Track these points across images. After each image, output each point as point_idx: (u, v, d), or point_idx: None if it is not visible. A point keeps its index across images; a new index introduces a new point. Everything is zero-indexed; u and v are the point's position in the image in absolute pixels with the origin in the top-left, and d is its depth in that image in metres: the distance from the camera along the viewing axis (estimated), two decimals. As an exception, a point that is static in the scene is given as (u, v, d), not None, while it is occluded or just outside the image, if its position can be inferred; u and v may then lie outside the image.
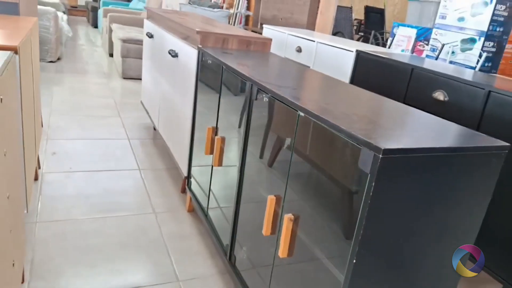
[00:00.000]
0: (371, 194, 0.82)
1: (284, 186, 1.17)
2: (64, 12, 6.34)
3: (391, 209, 0.87)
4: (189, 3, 4.67)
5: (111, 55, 5.76)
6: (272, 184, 1.25)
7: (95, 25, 8.57)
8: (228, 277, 1.65)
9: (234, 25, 7.14)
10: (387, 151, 0.79)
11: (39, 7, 4.85)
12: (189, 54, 2.00)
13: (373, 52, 2.20)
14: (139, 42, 4.59)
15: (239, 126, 1.79)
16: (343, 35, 6.25)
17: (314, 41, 2.68)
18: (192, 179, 2.04)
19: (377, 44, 6.07)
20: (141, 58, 4.64)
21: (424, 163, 0.86)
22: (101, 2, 7.99)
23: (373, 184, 0.81)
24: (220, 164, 1.66)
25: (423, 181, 0.88)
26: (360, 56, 2.24)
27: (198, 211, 1.93)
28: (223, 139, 1.63)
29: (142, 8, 7.32)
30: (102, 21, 6.64)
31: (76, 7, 10.17)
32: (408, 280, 1.00)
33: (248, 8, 7.81)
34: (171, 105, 2.34)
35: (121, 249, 1.72)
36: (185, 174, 2.09)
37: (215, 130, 1.71)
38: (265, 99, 1.31)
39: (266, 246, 1.29)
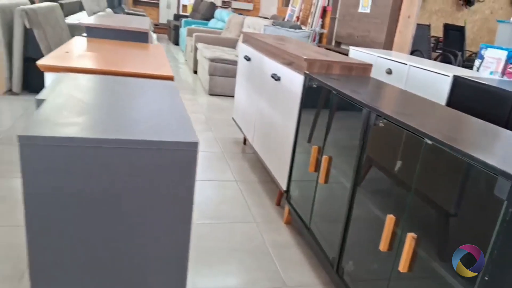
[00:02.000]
0: (507, 219, 0.92)
1: (393, 205, 1.28)
2: (153, 31, 6.90)
3: (524, 233, 0.95)
4: (272, 25, 4.92)
5: (195, 72, 6.17)
6: (377, 201, 1.37)
7: (176, 43, 9.16)
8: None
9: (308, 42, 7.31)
10: (528, 182, 0.89)
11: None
12: (293, 79, 2.18)
13: (473, 78, 2.23)
14: (225, 61, 4.91)
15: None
16: (421, 54, 6.18)
17: (406, 64, 2.76)
18: (291, 193, 2.20)
19: (458, 64, 5.91)
20: (226, 76, 4.95)
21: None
22: (183, 21, 8.56)
23: (510, 210, 0.91)
24: (326, 181, 1.80)
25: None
26: (458, 81, 2.29)
27: (297, 224, 2.07)
28: (330, 159, 1.78)
29: (221, 27, 7.75)
30: (186, 40, 7.12)
31: (157, 25, 10.93)
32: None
33: (322, 26, 7.97)
34: (270, 123, 2.53)
35: (232, 253, 1.91)
36: (284, 188, 2.26)
37: (321, 150, 1.86)
38: (381, 124, 1.44)
39: (378, 261, 1.40)
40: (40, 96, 1.01)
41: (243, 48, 3.23)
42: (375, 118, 1.46)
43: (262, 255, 1.93)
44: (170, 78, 1.42)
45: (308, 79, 2.04)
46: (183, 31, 7.96)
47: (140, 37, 2.20)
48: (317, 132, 1.92)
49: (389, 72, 2.92)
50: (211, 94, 5.01)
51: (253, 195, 2.53)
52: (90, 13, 5.05)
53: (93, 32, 2.16)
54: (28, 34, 3.73)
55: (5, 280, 1.56)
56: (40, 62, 1.36)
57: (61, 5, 4.91)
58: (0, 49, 3.60)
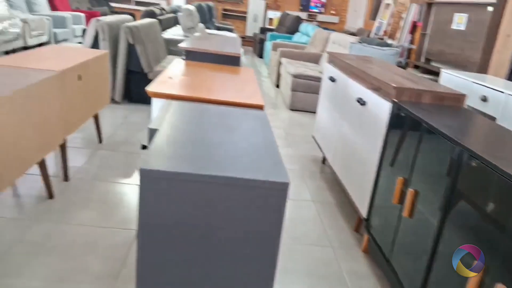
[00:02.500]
0: None
1: (482, 250, 1.22)
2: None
3: None
4: (359, 42, 4.87)
5: (277, 86, 6.30)
6: (465, 243, 1.31)
7: (260, 55, 9.42)
8: (409, 325, 1.72)
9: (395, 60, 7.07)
10: None
11: (224, 35, 5.66)
12: (380, 105, 2.16)
13: None
14: (308, 78, 4.96)
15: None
16: (522, 75, 5.68)
17: (503, 92, 2.58)
18: (371, 222, 2.17)
19: None
20: (308, 92, 5.00)
21: None
22: (268, 35, 8.79)
23: None
24: (411, 215, 1.76)
25: None
26: None
27: (376, 254, 2.04)
28: (416, 192, 1.73)
29: (306, 41, 7.83)
30: (270, 54, 7.30)
31: (244, 37, 11.32)
32: None
33: (411, 42, 7.68)
34: (352, 147, 2.52)
35: (308, 276, 1.94)
36: (364, 215, 2.23)
37: (407, 182, 1.82)
38: (473, 164, 1.38)
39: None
40: (152, 125, 1.14)
41: (328, 69, 3.25)
42: (467, 158, 1.41)
43: (338, 282, 1.94)
44: (260, 107, 1.50)
45: (396, 107, 2.01)
46: (268, 45, 8.17)
47: (233, 60, 2.34)
48: (402, 163, 1.89)
49: (484, 99, 2.75)
50: (292, 109, 5.09)
51: (330, 218, 2.54)
52: (185, 28, 5.42)
53: (191, 55, 2.34)
54: (130, 49, 4.12)
55: (103, 277, 1.76)
56: (149, 89, 1.52)
57: (160, 21, 5.33)
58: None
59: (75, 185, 2.50)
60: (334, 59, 3.22)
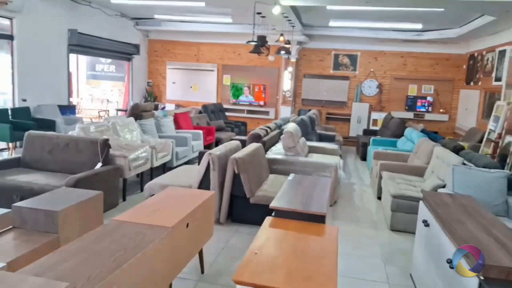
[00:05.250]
0: None
1: None
2: (340, 156, 7.35)
3: None
4: (463, 163, 4.68)
5: (379, 198, 6.22)
6: None
7: (363, 158, 9.43)
8: None
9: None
10: None
11: (321, 161, 5.90)
12: (466, 279, 2.07)
13: None
14: (409, 198, 4.84)
15: None
16: None
17: None
18: None
19: None
20: (410, 213, 4.84)
21: None
22: (371, 140, 8.86)
23: None
24: None
25: None
26: None
27: None
28: None
29: (410, 149, 7.68)
30: (372, 162, 7.32)
31: (347, 138, 11.52)
32: None
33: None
34: (445, 310, 2.39)
35: None
36: None
37: None
38: None
39: None
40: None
41: (423, 209, 3.21)
42: None
43: None
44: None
45: (482, 286, 1.92)
46: (370, 150, 8.21)
47: (317, 218, 2.52)
48: None
49: None
50: (392, 230, 4.95)
51: None
52: (286, 148, 5.85)
53: (279, 212, 2.59)
54: (236, 177, 4.59)
55: None
56: (235, 277, 1.75)
57: (263, 142, 5.86)
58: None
59: (176, 325, 2.77)
60: (429, 199, 3.18)
